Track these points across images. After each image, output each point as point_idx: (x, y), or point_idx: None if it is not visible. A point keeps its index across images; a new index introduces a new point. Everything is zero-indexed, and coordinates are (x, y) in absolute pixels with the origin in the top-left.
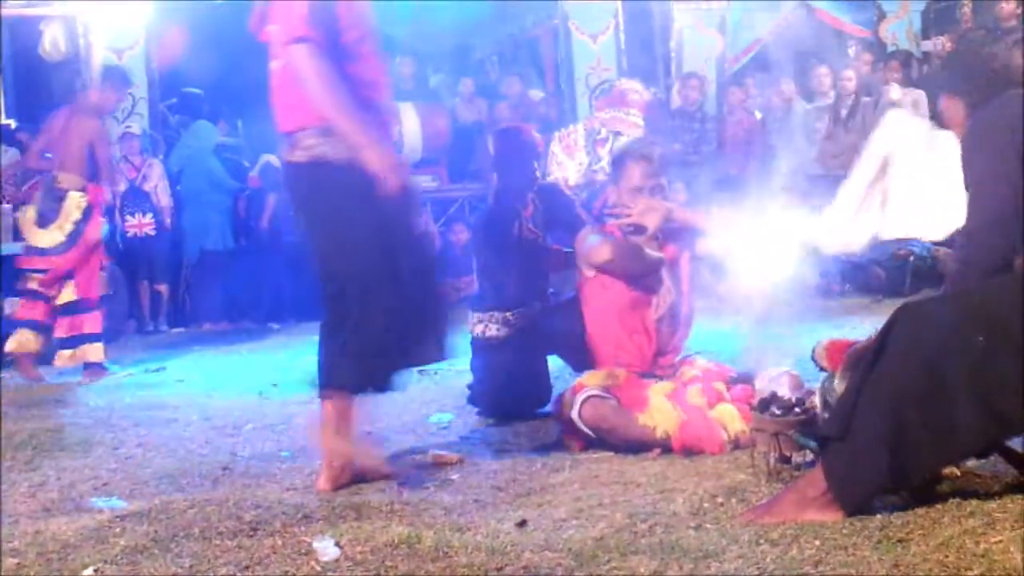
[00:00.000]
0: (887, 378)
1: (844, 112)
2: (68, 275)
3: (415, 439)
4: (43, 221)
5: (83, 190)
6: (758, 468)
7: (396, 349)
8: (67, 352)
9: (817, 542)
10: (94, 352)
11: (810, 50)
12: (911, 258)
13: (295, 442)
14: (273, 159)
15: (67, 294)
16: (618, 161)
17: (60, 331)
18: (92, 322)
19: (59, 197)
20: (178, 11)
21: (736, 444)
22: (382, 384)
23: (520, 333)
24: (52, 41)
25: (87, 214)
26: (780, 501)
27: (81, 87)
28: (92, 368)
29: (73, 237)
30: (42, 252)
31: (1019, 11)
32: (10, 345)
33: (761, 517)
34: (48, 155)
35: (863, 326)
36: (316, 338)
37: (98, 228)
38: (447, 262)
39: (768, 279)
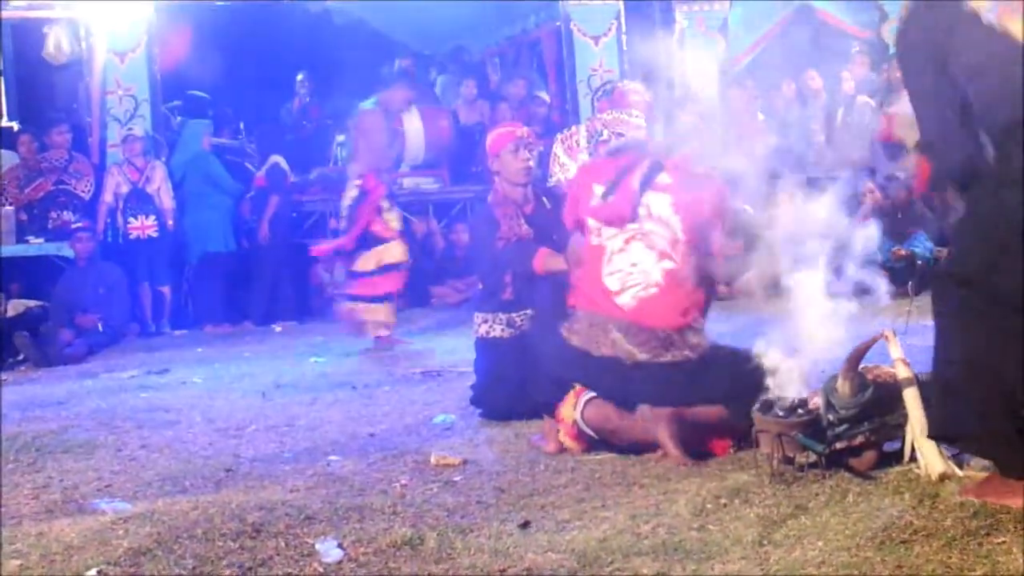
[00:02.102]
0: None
1: (840, 113)
2: (349, 255)
3: (418, 440)
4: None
5: (360, 178)
6: (761, 469)
7: None
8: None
9: (820, 543)
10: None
11: (812, 51)
12: (916, 260)
13: (298, 443)
14: (281, 160)
15: (361, 265)
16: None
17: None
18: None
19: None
20: (180, 13)
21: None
22: None
23: (524, 334)
24: (56, 44)
25: (358, 199)
26: (992, 481)
27: (83, 91)
28: (380, 340)
29: (349, 220)
30: (334, 234)
31: None
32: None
33: (980, 495)
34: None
35: (865, 327)
36: (317, 340)
37: (368, 211)
38: (450, 263)
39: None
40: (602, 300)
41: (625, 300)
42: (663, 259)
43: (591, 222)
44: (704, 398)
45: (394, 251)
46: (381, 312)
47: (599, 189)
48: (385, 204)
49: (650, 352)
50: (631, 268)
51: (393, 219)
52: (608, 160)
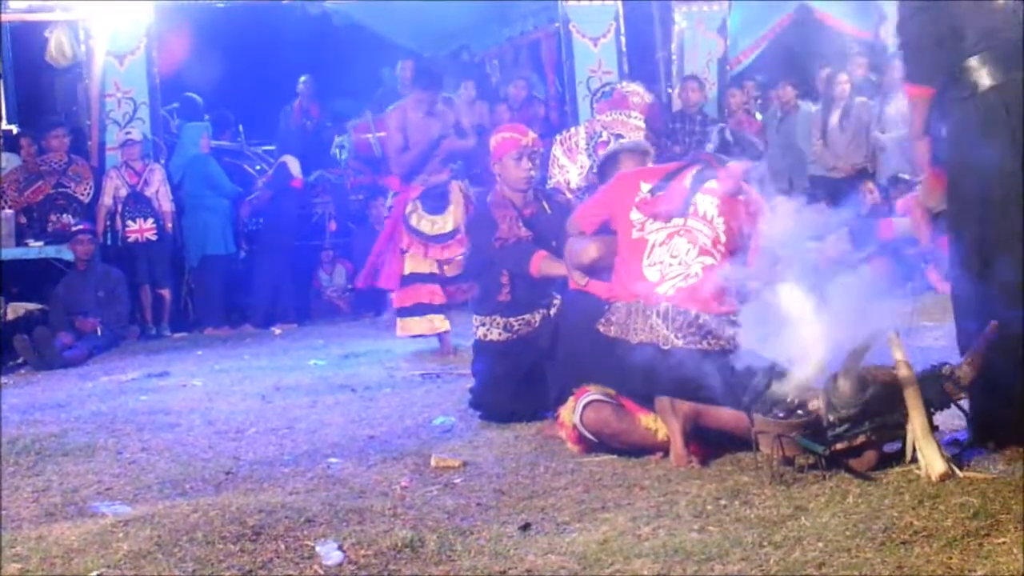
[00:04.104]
0: None
1: (838, 114)
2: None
3: (418, 443)
4: None
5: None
6: (761, 471)
7: None
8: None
9: (820, 544)
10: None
11: (811, 52)
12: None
13: (298, 446)
14: (289, 160)
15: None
16: (612, 158)
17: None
18: (408, 296)
19: None
20: (179, 15)
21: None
22: None
23: (522, 337)
24: (58, 47)
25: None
26: None
27: (82, 93)
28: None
29: None
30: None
31: None
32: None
33: None
34: None
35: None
36: (317, 342)
37: (391, 219)
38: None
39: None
40: (642, 290)
41: (664, 289)
42: (703, 255)
43: (634, 216)
44: (729, 396)
45: (413, 261)
46: (413, 325)
47: (646, 186)
48: (410, 207)
49: (686, 339)
50: (671, 260)
51: (425, 222)
52: (656, 166)
